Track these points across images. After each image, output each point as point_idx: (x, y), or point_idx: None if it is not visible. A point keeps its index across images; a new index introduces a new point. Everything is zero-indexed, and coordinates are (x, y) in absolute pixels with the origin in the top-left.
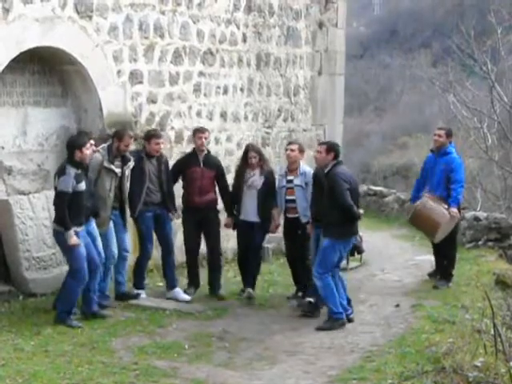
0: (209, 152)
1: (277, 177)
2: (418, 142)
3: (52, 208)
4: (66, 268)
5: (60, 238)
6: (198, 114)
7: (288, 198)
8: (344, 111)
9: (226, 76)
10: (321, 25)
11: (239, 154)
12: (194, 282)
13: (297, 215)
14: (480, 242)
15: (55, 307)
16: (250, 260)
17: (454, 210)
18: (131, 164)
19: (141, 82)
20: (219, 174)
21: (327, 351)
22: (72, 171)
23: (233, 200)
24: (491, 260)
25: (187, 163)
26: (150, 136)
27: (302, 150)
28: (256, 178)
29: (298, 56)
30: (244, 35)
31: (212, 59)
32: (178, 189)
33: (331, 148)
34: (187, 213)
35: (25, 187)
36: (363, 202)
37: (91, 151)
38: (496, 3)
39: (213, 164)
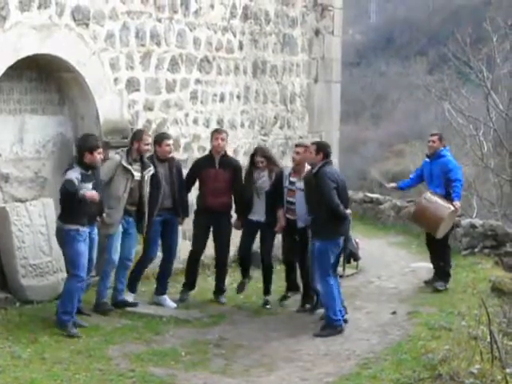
0: (226, 154)
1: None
2: (413, 149)
3: (49, 215)
4: (62, 275)
5: (61, 234)
6: (195, 121)
7: (288, 199)
8: (340, 119)
9: (223, 83)
10: (317, 32)
11: None
12: (190, 285)
13: (294, 217)
14: (476, 249)
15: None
16: (263, 267)
17: (458, 203)
18: (151, 170)
19: (137, 90)
20: (235, 175)
21: (324, 358)
22: (78, 169)
23: (244, 201)
24: (487, 267)
25: (203, 165)
26: (162, 138)
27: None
28: (265, 180)
29: (295, 63)
30: (240, 43)
31: (209, 67)
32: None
33: (321, 148)
34: (199, 214)
35: (22, 194)
36: (359, 210)
37: (101, 156)
38: (492, 11)
39: (229, 166)
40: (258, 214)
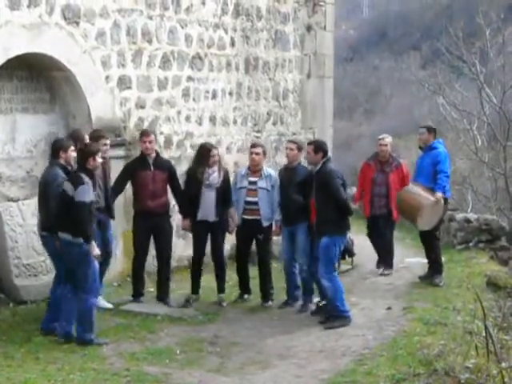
0: (158, 154)
1: (232, 176)
2: (407, 144)
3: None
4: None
5: (75, 249)
6: (187, 118)
7: (248, 199)
8: (334, 114)
9: (215, 80)
10: (309, 28)
11: (229, 158)
12: (140, 291)
13: (255, 217)
14: (471, 244)
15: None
16: (216, 265)
17: (439, 194)
18: None
19: (129, 88)
20: (171, 176)
21: (319, 355)
22: (88, 180)
23: (189, 201)
24: (482, 262)
25: (137, 167)
26: (99, 137)
27: (265, 153)
28: (216, 176)
29: (287, 59)
30: (232, 39)
31: (200, 64)
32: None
33: (319, 147)
34: (139, 218)
35: (14, 194)
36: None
37: (100, 159)
38: (484, 5)
39: (164, 166)
40: (209, 214)
